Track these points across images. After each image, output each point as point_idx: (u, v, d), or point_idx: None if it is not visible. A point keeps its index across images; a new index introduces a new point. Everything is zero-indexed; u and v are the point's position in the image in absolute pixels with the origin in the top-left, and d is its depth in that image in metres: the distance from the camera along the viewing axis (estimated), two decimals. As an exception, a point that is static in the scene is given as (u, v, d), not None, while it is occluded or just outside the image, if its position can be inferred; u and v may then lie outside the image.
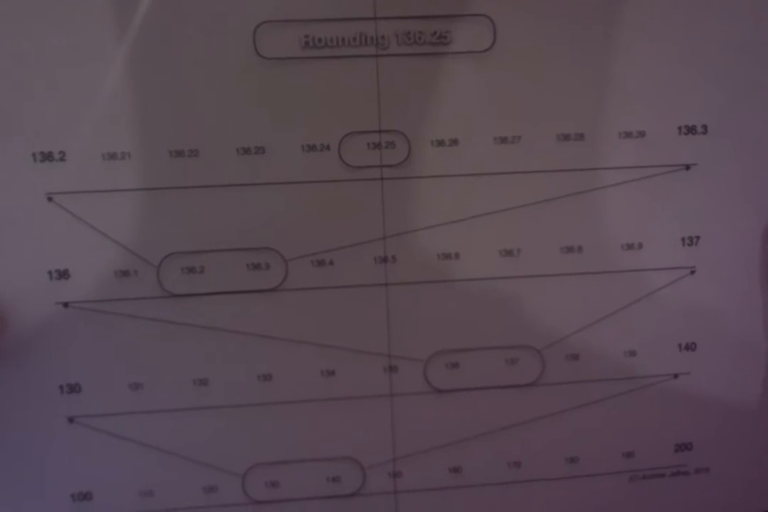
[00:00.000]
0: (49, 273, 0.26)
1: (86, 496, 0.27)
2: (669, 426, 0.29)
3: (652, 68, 0.27)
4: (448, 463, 0.28)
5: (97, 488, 0.27)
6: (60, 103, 0.25)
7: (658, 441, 0.29)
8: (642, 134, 0.27)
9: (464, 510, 0.29)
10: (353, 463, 0.28)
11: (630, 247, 0.28)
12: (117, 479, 0.27)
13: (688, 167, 0.28)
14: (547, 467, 0.29)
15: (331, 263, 0.27)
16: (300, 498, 0.28)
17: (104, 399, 0.27)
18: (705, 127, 0.28)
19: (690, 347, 0.29)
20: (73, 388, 0.27)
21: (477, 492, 0.29)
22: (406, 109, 0.27)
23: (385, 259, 0.27)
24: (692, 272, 0.28)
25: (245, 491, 0.28)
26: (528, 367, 0.28)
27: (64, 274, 0.26)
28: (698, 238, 0.28)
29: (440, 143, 0.27)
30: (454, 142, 0.27)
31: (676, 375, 0.29)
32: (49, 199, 0.26)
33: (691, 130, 0.28)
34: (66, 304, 0.26)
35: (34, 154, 0.25)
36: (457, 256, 0.27)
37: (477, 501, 0.29)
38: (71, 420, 0.27)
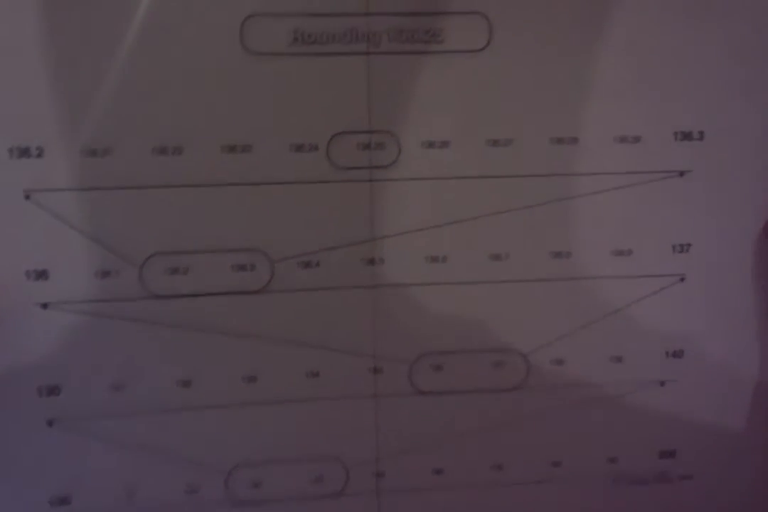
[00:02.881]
0: (27, 273, 0.25)
1: (64, 501, 0.27)
2: (653, 433, 0.29)
3: (649, 72, 0.27)
4: (431, 464, 0.28)
5: (76, 491, 0.27)
6: (37, 97, 0.24)
7: (642, 448, 0.29)
8: (637, 139, 0.27)
9: (446, 511, 0.29)
10: (337, 463, 0.28)
11: (620, 253, 0.28)
12: (97, 482, 0.27)
13: (682, 173, 0.27)
14: (529, 470, 0.29)
15: (318, 265, 0.27)
16: (283, 498, 0.28)
17: (85, 401, 0.26)
18: (701, 133, 0.27)
19: (677, 354, 0.29)
20: (52, 390, 0.26)
21: (459, 493, 0.29)
22: (397, 110, 0.26)
23: (372, 261, 0.27)
24: (682, 279, 0.28)
25: (228, 491, 0.28)
26: (513, 371, 0.28)
27: (42, 275, 0.25)
28: (689, 245, 0.28)
29: (431, 145, 0.26)
30: (445, 144, 0.26)
31: (662, 383, 0.29)
32: (27, 197, 0.25)
33: (687, 135, 0.27)
34: (45, 305, 0.26)
35: (10, 150, 0.24)
36: (445, 259, 0.27)
37: (459, 503, 0.29)
38: (50, 423, 0.26)
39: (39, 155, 0.25)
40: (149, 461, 0.27)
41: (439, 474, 0.29)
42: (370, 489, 0.28)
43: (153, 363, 0.26)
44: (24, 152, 0.25)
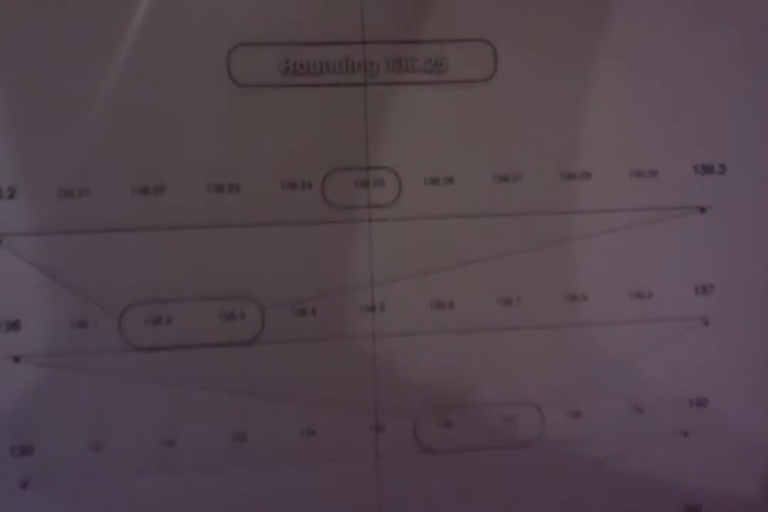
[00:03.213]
0: (-3, 324, 0.24)
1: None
2: (677, 487, 0.27)
3: (666, 102, 0.25)
4: (439, 530, 0.26)
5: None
6: (9, 135, 0.23)
7: (665, 503, 0.27)
8: (654, 173, 0.25)
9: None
10: (335, 531, 0.26)
11: (639, 295, 0.26)
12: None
13: (703, 209, 0.26)
14: (545, 532, 0.27)
15: (313, 312, 0.25)
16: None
17: (60, 461, 0.24)
18: (723, 166, 0.26)
19: (701, 403, 0.27)
20: (26, 450, 0.24)
21: (470, 561, 0.26)
22: (397, 144, 0.25)
23: (372, 308, 0.25)
24: (705, 323, 0.26)
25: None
26: (527, 425, 0.26)
27: (14, 325, 0.24)
28: (712, 286, 0.26)
29: (434, 181, 0.25)
30: (449, 180, 0.25)
31: (685, 433, 0.27)
32: (-2, 241, 0.23)
33: (707, 169, 0.26)
34: (17, 359, 0.24)
35: (-21, 191, 0.23)
36: (451, 304, 0.25)
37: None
38: (24, 484, 0.24)
39: (11, 196, 0.23)
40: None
41: (448, 540, 0.26)
42: (372, 557, 0.26)
43: (134, 422, 0.24)
44: (-6, 193, 0.23)
